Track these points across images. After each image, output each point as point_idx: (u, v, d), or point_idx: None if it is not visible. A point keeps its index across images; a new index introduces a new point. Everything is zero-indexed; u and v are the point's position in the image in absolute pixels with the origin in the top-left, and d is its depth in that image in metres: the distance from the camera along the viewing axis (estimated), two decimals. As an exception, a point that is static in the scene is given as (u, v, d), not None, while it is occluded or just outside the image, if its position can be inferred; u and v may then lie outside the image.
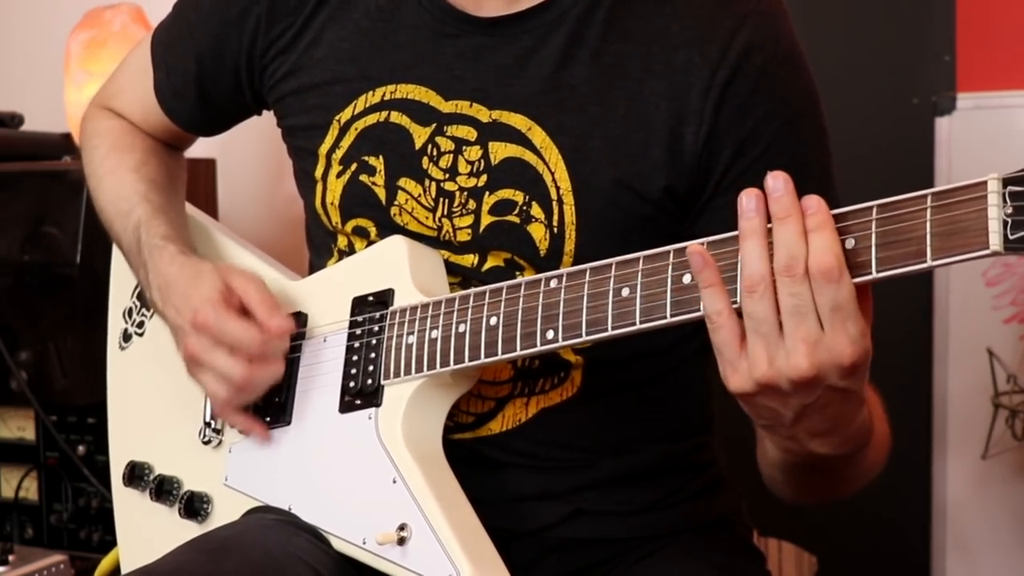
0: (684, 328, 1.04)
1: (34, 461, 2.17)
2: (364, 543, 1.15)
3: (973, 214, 0.86)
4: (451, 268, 1.25)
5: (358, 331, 1.22)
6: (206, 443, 1.32)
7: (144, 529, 1.40)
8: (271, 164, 2.61)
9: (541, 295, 1.08)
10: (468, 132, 1.23)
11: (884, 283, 0.91)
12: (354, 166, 1.28)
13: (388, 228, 1.27)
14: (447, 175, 1.24)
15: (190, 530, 1.31)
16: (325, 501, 1.20)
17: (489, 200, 1.22)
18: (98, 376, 1.54)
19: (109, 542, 2.04)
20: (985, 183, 0.86)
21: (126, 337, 1.50)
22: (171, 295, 1.25)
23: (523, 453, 1.26)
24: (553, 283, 1.07)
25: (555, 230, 1.20)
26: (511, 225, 1.21)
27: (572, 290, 1.06)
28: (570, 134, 1.20)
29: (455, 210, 1.24)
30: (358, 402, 1.19)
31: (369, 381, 1.19)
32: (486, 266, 1.24)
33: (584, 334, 1.04)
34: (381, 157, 1.26)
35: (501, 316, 1.10)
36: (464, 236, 1.24)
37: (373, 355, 1.19)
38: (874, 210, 0.91)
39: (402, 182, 1.26)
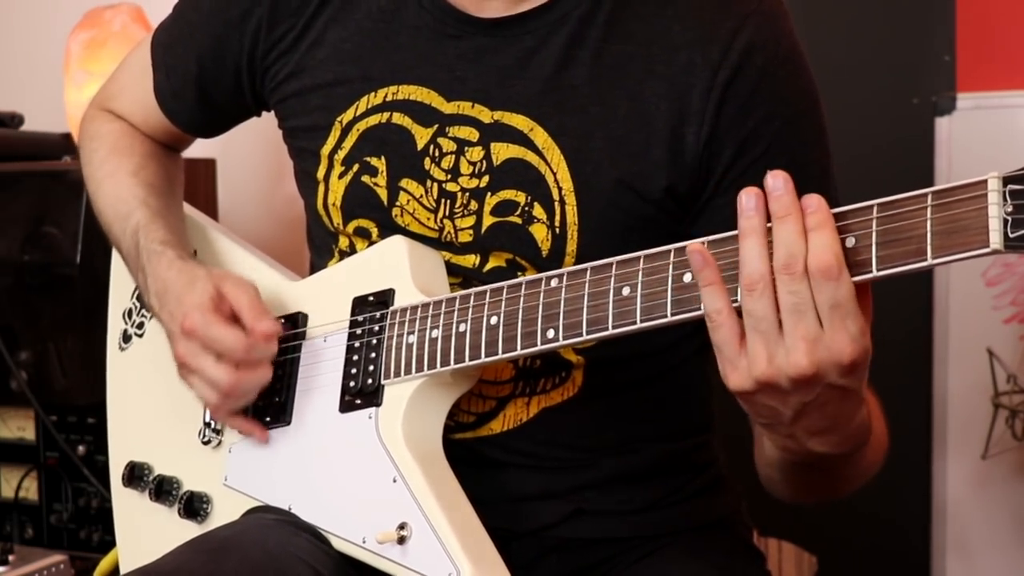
0: (684, 327, 1.04)
1: (34, 461, 2.17)
2: (364, 542, 1.14)
3: (973, 212, 0.86)
4: (452, 269, 1.25)
5: (358, 331, 1.22)
6: (206, 443, 1.32)
7: (144, 529, 1.40)
8: (271, 164, 2.61)
9: (542, 294, 1.08)
10: (470, 133, 1.23)
11: (884, 282, 0.91)
12: (356, 167, 1.28)
13: (390, 229, 1.27)
14: (449, 176, 1.24)
15: (190, 530, 1.30)
16: (325, 501, 1.20)
17: (491, 201, 1.22)
18: (98, 376, 1.54)
19: (109, 542, 2.04)
20: (985, 182, 0.86)
21: (126, 338, 1.50)
22: (167, 300, 1.25)
23: (524, 453, 1.26)
24: (554, 282, 1.07)
25: (557, 231, 1.20)
26: (513, 226, 1.21)
27: (573, 289, 1.06)
28: (572, 135, 1.20)
29: (457, 211, 1.24)
30: (358, 402, 1.19)
31: (369, 381, 1.19)
32: (488, 267, 1.24)
33: (585, 333, 1.04)
34: (383, 158, 1.26)
35: (501, 315, 1.10)
36: (466, 237, 1.24)
37: (373, 355, 1.19)
38: (874, 209, 0.91)
39: (404, 183, 1.26)
